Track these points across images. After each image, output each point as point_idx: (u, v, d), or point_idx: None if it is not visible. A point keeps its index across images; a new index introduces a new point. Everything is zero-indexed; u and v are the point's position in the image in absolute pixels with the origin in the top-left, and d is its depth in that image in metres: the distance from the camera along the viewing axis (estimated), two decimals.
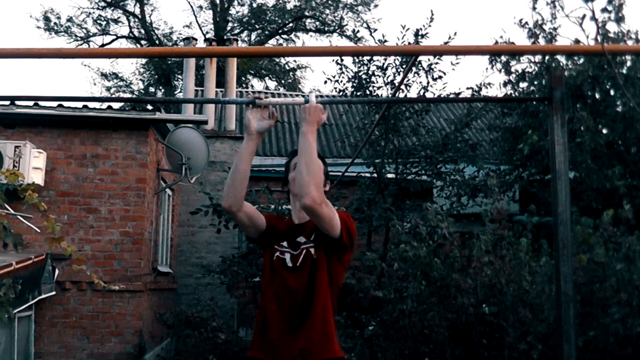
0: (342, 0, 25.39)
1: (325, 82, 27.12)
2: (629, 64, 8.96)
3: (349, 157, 11.70)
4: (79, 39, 25.26)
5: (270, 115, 2.98)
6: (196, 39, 14.31)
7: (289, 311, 2.86)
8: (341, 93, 9.50)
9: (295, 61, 26.43)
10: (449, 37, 8.93)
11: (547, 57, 9.59)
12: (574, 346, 3.17)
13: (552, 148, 3.25)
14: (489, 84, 11.27)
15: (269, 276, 2.97)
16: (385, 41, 9.11)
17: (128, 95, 26.09)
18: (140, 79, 26.68)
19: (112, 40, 25.72)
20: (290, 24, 25.99)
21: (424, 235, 5.67)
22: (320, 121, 2.89)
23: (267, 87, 25.83)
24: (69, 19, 25.02)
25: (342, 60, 9.28)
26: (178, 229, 11.42)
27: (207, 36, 24.04)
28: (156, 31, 25.76)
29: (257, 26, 25.71)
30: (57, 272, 7.56)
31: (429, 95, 9.17)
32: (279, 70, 26.51)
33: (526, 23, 9.78)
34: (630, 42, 9.09)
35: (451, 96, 9.30)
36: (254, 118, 2.96)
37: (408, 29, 8.98)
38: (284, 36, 26.42)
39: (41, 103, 7.95)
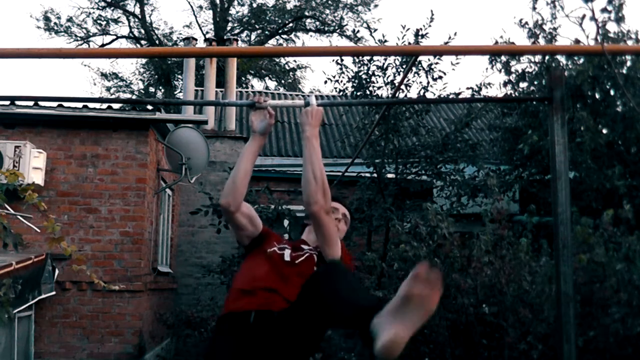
0: (342, 0, 25.38)
1: (325, 82, 27.06)
2: (629, 64, 8.96)
3: (349, 157, 11.70)
4: (79, 39, 25.24)
5: (270, 115, 3.02)
6: (196, 39, 14.27)
7: (279, 279, 2.65)
8: (341, 93, 9.50)
9: (295, 61, 26.43)
10: (449, 37, 8.93)
11: (547, 57, 9.58)
12: (574, 346, 3.17)
13: (552, 148, 3.26)
14: (489, 84, 11.29)
15: (259, 260, 2.77)
16: (385, 41, 9.10)
17: (128, 96, 26.08)
18: (140, 79, 26.68)
19: (112, 40, 25.71)
20: (290, 24, 25.97)
21: (424, 235, 5.68)
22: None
23: (267, 87, 25.82)
24: (69, 19, 24.99)
25: (342, 60, 9.28)
26: (178, 229, 11.41)
27: (207, 36, 24.02)
28: (156, 31, 25.75)
29: (257, 26, 25.69)
30: (57, 272, 7.56)
31: (429, 95, 9.18)
32: (279, 70, 26.49)
33: (526, 23, 9.79)
34: (630, 42, 9.09)
35: (451, 96, 9.30)
36: (257, 119, 3.00)
37: (408, 29, 8.98)
38: (284, 36, 26.41)
39: (41, 103, 7.94)
